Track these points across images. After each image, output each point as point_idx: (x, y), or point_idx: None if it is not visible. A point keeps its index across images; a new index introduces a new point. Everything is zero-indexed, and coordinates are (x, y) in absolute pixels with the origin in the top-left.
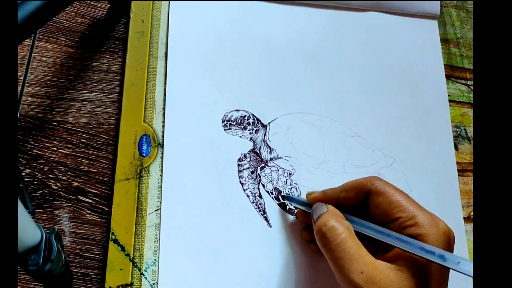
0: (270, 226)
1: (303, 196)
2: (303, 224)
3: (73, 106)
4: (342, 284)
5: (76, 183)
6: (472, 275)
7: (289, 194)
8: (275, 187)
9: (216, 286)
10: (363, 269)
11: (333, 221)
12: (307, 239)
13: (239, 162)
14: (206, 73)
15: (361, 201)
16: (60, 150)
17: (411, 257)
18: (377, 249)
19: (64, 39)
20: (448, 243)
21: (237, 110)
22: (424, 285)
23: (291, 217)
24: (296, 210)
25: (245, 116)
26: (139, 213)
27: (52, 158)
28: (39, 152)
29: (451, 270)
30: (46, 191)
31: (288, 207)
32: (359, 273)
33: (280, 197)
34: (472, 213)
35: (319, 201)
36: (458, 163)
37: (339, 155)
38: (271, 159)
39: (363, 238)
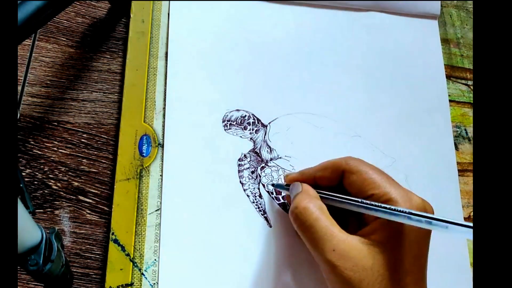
0: (270, 226)
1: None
2: None
3: (73, 106)
4: (319, 264)
5: (76, 183)
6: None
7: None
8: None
9: (216, 286)
10: (335, 247)
11: (306, 202)
12: None
13: (239, 162)
14: (206, 73)
15: (337, 181)
16: (60, 150)
17: (385, 230)
18: (360, 224)
19: (64, 39)
20: None
21: (237, 110)
22: (398, 258)
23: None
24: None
25: (245, 116)
26: (139, 213)
27: (52, 158)
28: (39, 152)
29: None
30: (46, 191)
31: (288, 207)
32: (332, 251)
33: (280, 197)
34: (472, 213)
35: (297, 181)
36: (458, 163)
37: (339, 155)
38: (271, 159)
39: (347, 213)
